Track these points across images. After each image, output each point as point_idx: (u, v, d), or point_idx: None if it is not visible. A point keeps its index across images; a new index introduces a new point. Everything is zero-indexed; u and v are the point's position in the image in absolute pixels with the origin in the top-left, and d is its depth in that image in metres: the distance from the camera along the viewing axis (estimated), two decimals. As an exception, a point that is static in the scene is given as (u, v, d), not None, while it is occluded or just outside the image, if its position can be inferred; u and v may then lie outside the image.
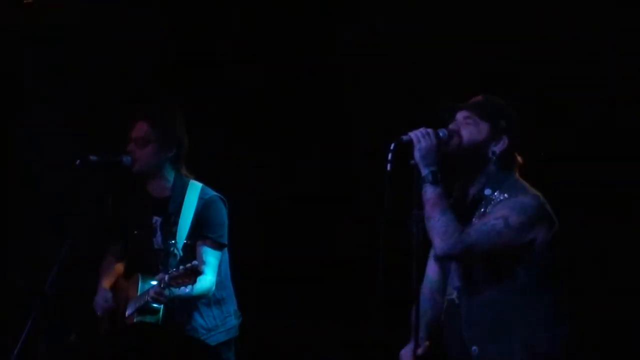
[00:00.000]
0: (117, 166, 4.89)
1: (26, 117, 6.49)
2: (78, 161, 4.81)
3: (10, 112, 6.51)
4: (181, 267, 4.65)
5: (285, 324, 6.05)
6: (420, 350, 3.88)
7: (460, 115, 3.93)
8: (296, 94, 6.11)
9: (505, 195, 3.83)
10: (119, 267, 5.20)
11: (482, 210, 3.85)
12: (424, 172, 3.80)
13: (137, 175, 4.97)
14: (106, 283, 5.12)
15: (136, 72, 6.31)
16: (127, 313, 4.97)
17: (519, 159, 3.93)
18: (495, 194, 3.85)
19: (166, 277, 4.66)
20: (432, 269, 4.06)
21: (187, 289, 4.69)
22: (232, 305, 5.09)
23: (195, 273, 4.63)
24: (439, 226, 3.75)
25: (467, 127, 3.90)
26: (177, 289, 4.68)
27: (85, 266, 5.34)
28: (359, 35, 5.97)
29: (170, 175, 5.00)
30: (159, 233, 5.01)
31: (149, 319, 4.88)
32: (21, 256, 6.36)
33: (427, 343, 3.96)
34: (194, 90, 6.17)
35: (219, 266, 4.97)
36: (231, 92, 6.24)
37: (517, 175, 3.91)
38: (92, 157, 4.83)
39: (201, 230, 4.95)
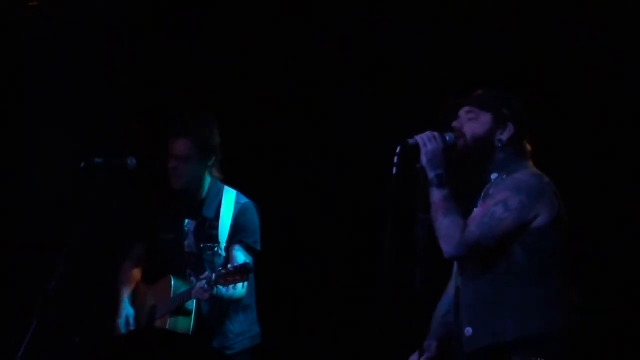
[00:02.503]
0: (122, 169, 4.90)
1: (28, 119, 6.50)
2: (83, 163, 4.83)
3: (11, 113, 6.51)
4: (230, 265, 4.70)
5: (296, 332, 6.07)
6: (424, 358, 3.90)
7: (462, 112, 3.93)
8: (300, 96, 6.13)
9: (506, 175, 3.83)
10: (137, 273, 5.22)
11: (487, 192, 3.85)
12: (431, 175, 3.80)
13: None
14: (127, 295, 5.14)
15: (141, 73, 6.32)
16: (157, 315, 4.99)
17: (529, 147, 3.92)
18: (500, 176, 3.85)
19: (214, 276, 4.69)
20: (456, 266, 4.03)
21: (232, 290, 4.73)
22: (255, 313, 5.16)
23: (247, 271, 4.67)
24: (442, 229, 3.75)
25: (470, 123, 3.89)
26: (225, 287, 4.71)
27: (90, 268, 5.35)
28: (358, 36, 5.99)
29: (207, 181, 5.05)
30: (190, 237, 5.05)
31: (181, 321, 4.91)
32: (24, 259, 6.36)
33: (434, 350, 3.95)
34: (201, 94, 6.20)
35: None
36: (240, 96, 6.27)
37: (527, 162, 3.89)
38: (97, 160, 4.85)
39: (237, 235, 5.01)
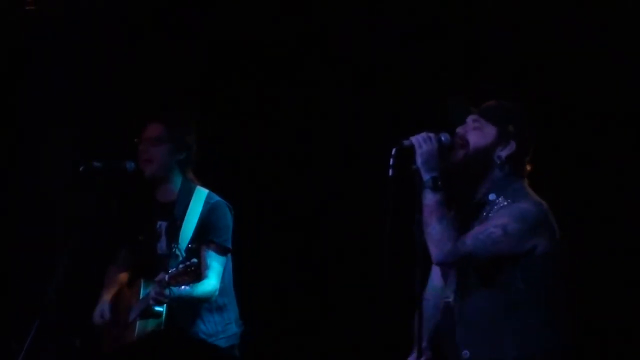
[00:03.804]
0: (121, 172, 4.91)
1: (29, 119, 6.50)
2: (82, 167, 4.84)
3: (11, 113, 6.52)
4: (180, 265, 4.66)
5: (288, 333, 6.07)
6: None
7: (470, 119, 3.89)
8: (298, 97, 6.13)
9: (508, 200, 3.79)
10: (123, 277, 5.21)
11: (484, 214, 3.82)
12: (425, 177, 3.77)
13: (145, 180, 5.00)
14: (107, 295, 5.11)
15: (141, 73, 6.33)
16: (129, 319, 4.98)
17: (528, 167, 3.88)
18: (499, 199, 3.80)
19: (166, 277, 4.67)
20: (435, 274, 4.03)
21: (188, 288, 4.71)
22: (233, 313, 5.09)
23: (195, 270, 4.63)
24: (434, 234, 3.72)
25: (474, 132, 3.85)
26: (178, 288, 4.69)
27: (89, 271, 5.35)
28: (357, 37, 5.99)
29: (178, 180, 5.03)
30: (163, 238, 5.03)
31: (151, 323, 4.88)
32: (25, 259, 6.37)
33: (429, 353, 3.96)
34: (196, 95, 6.20)
35: (223, 272, 4.99)
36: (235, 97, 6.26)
37: (524, 182, 3.86)
38: (96, 164, 4.86)
39: (206, 234, 4.95)
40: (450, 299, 3.88)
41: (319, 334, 6.03)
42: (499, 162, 3.84)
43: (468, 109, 3.92)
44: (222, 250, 4.97)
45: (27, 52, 6.48)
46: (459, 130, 3.88)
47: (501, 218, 3.74)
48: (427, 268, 3.89)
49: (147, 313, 4.86)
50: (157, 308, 4.85)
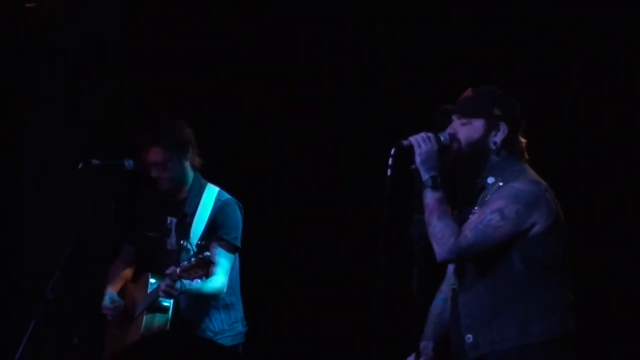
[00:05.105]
0: (119, 170, 4.92)
1: (27, 122, 6.51)
2: (81, 165, 4.85)
3: (11, 117, 6.52)
4: (193, 258, 4.67)
5: (289, 332, 6.08)
6: None
7: (454, 117, 3.89)
8: (297, 97, 6.13)
9: (504, 181, 3.79)
10: (128, 273, 5.22)
11: (483, 198, 3.81)
12: (424, 176, 3.78)
13: (147, 177, 5.02)
14: (112, 288, 5.12)
15: (139, 73, 6.33)
16: (136, 313, 4.98)
17: (524, 142, 3.88)
18: (496, 181, 3.81)
19: (177, 270, 4.68)
20: (451, 266, 4.02)
21: (198, 283, 4.71)
22: (239, 312, 5.11)
23: (207, 264, 4.65)
24: (436, 232, 3.73)
25: (462, 129, 3.85)
26: (189, 281, 4.69)
27: (88, 270, 5.36)
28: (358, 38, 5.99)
29: (191, 176, 5.06)
30: (173, 234, 5.05)
31: (158, 318, 4.89)
32: (24, 259, 6.38)
33: (430, 352, 3.95)
34: (196, 95, 6.20)
35: (231, 271, 5.00)
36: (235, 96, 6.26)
37: (523, 161, 3.86)
38: (95, 161, 4.87)
39: (216, 231, 4.99)
40: (456, 286, 3.89)
41: (318, 334, 6.03)
42: (495, 148, 3.84)
43: (447, 108, 3.91)
44: (231, 248, 5.00)
45: (27, 52, 6.48)
46: (449, 131, 3.88)
47: (496, 202, 3.75)
48: (424, 267, 3.87)
49: (155, 307, 4.87)
50: (165, 303, 4.87)
